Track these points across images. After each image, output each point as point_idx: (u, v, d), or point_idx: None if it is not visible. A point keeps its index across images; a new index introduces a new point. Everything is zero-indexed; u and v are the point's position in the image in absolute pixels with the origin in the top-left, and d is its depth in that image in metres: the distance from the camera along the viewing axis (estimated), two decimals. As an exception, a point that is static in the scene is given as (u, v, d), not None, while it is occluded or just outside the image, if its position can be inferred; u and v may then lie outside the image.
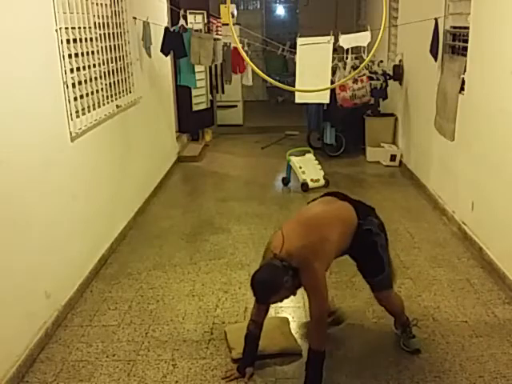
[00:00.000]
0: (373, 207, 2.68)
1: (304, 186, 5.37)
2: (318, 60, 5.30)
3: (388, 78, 6.36)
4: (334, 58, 5.85)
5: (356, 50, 6.26)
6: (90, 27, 3.61)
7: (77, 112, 3.33)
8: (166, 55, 5.52)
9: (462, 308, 3.12)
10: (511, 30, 3.28)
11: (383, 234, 2.60)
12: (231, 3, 6.40)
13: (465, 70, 4.07)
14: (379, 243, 2.56)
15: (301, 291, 3.03)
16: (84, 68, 3.47)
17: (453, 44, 4.55)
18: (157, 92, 5.63)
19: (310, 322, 2.46)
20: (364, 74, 6.16)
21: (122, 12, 4.34)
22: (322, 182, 5.45)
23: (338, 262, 2.74)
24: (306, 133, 7.18)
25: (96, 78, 3.70)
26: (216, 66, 6.95)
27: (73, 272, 3.32)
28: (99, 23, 3.79)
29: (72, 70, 3.27)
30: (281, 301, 2.44)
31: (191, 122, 7.13)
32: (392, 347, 2.77)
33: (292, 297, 3.23)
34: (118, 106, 4.14)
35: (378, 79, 6.36)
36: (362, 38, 5.78)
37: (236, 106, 8.59)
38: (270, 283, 2.31)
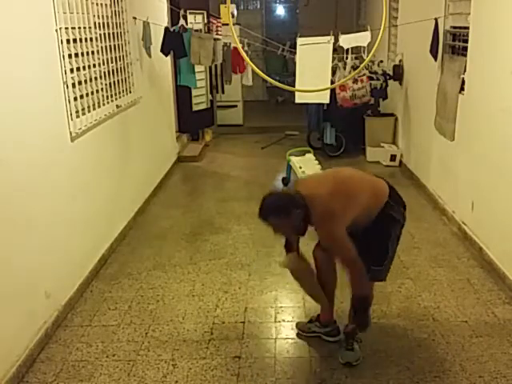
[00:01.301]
0: (405, 203, 2.64)
1: (304, 186, 5.36)
2: (317, 60, 5.30)
3: (388, 77, 6.36)
4: (334, 58, 5.85)
5: (356, 50, 6.26)
6: (90, 27, 3.61)
7: (77, 112, 3.33)
8: (166, 55, 5.52)
9: (462, 308, 3.12)
10: (511, 30, 3.28)
11: (399, 231, 2.59)
12: (231, 3, 6.41)
13: (465, 70, 4.07)
14: (392, 236, 2.53)
15: (297, 290, 3.03)
16: (84, 68, 3.47)
17: (453, 44, 4.55)
18: (157, 92, 5.63)
19: (346, 274, 2.45)
20: (364, 74, 6.16)
21: (122, 12, 4.34)
22: (322, 182, 5.44)
23: (337, 262, 2.74)
24: (306, 133, 7.18)
25: (96, 78, 3.69)
26: (216, 66, 6.94)
27: (73, 272, 3.32)
28: (99, 23, 3.79)
29: (72, 70, 3.26)
30: (280, 231, 2.41)
31: (191, 121, 7.13)
32: (392, 347, 2.77)
33: (292, 296, 3.26)
34: (117, 106, 4.13)
35: (378, 79, 6.36)
36: (362, 38, 5.78)
37: (236, 106, 8.59)
38: (281, 203, 2.33)
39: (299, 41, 5.48)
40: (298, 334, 2.89)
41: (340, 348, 2.71)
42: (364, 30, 5.82)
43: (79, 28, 3.41)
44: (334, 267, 2.76)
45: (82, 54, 3.44)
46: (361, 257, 2.57)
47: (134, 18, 4.68)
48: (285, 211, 2.30)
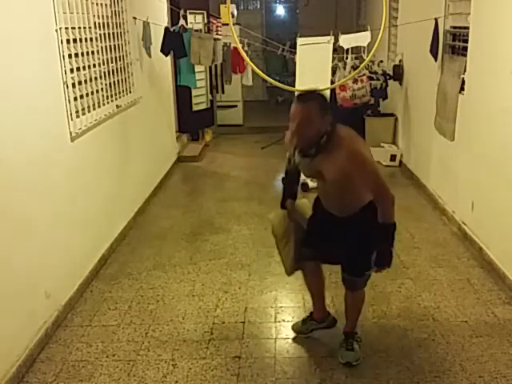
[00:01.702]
0: None
1: (304, 186, 5.36)
2: (318, 60, 5.30)
3: (388, 77, 6.36)
4: (334, 58, 5.85)
5: (356, 50, 6.26)
6: (90, 27, 3.61)
7: (77, 112, 3.33)
8: (166, 55, 5.52)
9: (462, 308, 3.12)
10: (511, 30, 3.28)
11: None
12: (231, 3, 6.41)
13: (465, 70, 4.07)
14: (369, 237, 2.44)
15: (297, 290, 3.03)
16: (84, 68, 3.47)
17: (453, 44, 4.55)
18: (157, 92, 5.63)
19: (378, 204, 2.36)
20: (364, 74, 6.16)
21: (122, 12, 4.34)
22: (322, 182, 5.44)
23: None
24: (306, 133, 7.16)
25: (96, 78, 3.69)
26: (216, 66, 6.95)
27: (73, 272, 3.32)
28: (99, 23, 3.79)
29: (72, 70, 3.26)
30: (303, 127, 2.25)
31: (191, 121, 7.13)
32: (392, 347, 2.77)
33: (292, 296, 3.25)
34: (118, 106, 4.13)
35: (378, 79, 6.36)
36: (362, 38, 5.78)
37: (236, 106, 8.59)
38: (326, 100, 2.27)
39: (299, 41, 5.48)
40: (295, 336, 2.89)
41: (340, 348, 2.70)
42: (364, 30, 5.82)
43: (79, 28, 3.41)
44: (321, 272, 2.77)
45: (82, 54, 3.44)
46: (342, 265, 2.57)
47: (134, 18, 4.68)
48: (324, 107, 2.24)
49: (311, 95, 2.31)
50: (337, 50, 6.15)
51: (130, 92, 4.54)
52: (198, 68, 6.08)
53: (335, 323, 2.87)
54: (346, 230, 2.46)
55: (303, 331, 2.88)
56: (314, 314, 2.87)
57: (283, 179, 2.78)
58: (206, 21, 7.08)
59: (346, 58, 6.24)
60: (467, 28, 4.06)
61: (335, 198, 2.47)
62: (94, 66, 3.67)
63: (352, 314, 2.73)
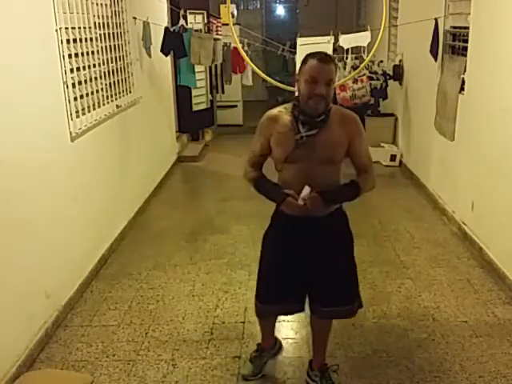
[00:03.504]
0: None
1: (304, 186, 5.37)
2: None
3: (388, 78, 6.36)
4: (334, 58, 5.85)
5: (356, 50, 6.26)
6: (90, 27, 3.61)
7: (77, 112, 3.33)
8: (166, 55, 5.52)
9: (462, 308, 3.12)
10: (511, 30, 3.28)
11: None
12: (231, 3, 6.41)
13: (465, 70, 4.07)
14: (351, 245, 2.33)
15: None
16: (84, 68, 3.47)
17: (453, 44, 4.55)
18: (157, 92, 5.62)
19: (363, 175, 2.40)
20: (364, 74, 6.16)
21: (122, 12, 4.34)
22: (322, 181, 5.44)
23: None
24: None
25: (96, 78, 3.69)
26: (216, 66, 6.95)
27: (73, 272, 3.32)
28: (99, 23, 3.79)
29: (72, 70, 3.26)
30: (331, 87, 2.10)
31: (191, 121, 7.13)
32: (392, 347, 2.77)
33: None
34: (117, 106, 4.13)
35: (378, 79, 6.36)
36: (362, 38, 5.79)
37: (236, 106, 8.60)
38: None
39: (299, 41, 5.49)
40: (295, 336, 2.88)
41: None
42: (364, 30, 5.83)
43: (79, 28, 3.41)
44: None
45: (82, 54, 3.44)
46: (317, 297, 2.31)
47: (134, 18, 4.68)
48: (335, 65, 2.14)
49: (328, 55, 2.13)
50: (337, 49, 6.16)
51: (130, 92, 4.54)
52: (198, 68, 6.08)
53: (281, 346, 2.71)
54: (322, 242, 2.26)
55: (255, 372, 2.56)
56: (265, 345, 2.63)
57: (254, 180, 2.42)
58: (206, 21, 7.08)
59: (346, 57, 6.25)
60: (467, 28, 4.06)
61: (319, 180, 2.25)
62: (94, 66, 3.67)
63: (324, 342, 2.49)
